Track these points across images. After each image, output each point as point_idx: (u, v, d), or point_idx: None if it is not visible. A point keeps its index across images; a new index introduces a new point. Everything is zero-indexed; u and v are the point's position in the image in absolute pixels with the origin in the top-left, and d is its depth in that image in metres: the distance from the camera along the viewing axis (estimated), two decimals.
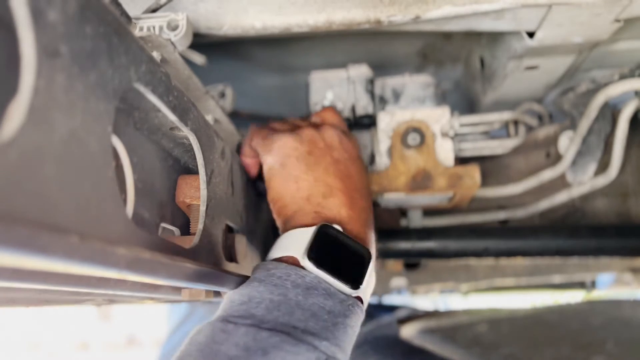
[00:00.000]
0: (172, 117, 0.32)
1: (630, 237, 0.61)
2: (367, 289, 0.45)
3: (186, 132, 0.35)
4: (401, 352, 0.93)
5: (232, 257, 0.44)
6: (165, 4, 0.47)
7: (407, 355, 0.92)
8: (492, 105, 0.76)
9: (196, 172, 0.38)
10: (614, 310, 0.85)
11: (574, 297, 1.13)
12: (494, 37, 0.65)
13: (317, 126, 0.52)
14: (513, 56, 0.62)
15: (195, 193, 0.39)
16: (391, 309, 1.07)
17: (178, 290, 0.42)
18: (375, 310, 1.06)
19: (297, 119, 0.56)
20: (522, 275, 0.97)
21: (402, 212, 0.76)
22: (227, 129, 0.58)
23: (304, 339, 0.37)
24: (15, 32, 0.18)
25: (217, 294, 0.42)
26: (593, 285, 1.12)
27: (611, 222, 0.68)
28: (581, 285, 1.12)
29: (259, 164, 0.53)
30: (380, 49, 0.76)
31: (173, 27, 0.46)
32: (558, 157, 0.66)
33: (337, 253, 0.43)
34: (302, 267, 0.41)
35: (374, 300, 1.19)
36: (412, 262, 0.95)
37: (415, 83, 0.64)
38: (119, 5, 0.40)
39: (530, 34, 0.56)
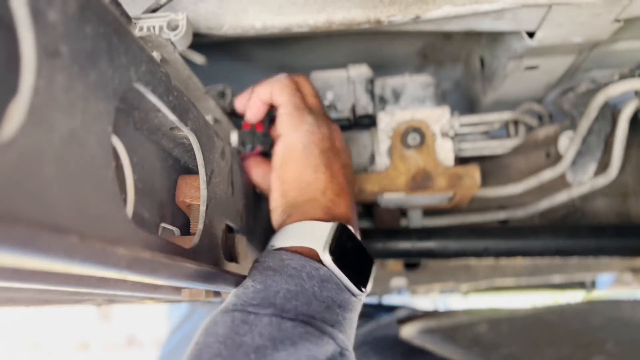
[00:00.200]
0: (172, 117, 0.32)
1: (630, 237, 0.61)
2: (367, 291, 0.46)
3: (186, 132, 0.35)
4: (401, 353, 0.93)
5: (232, 257, 0.44)
6: (165, 4, 0.47)
7: (407, 355, 0.92)
8: (492, 105, 0.76)
9: (196, 172, 0.38)
10: (614, 310, 0.85)
11: (574, 297, 1.13)
12: (494, 37, 0.65)
13: (330, 120, 0.52)
14: (513, 56, 0.62)
15: (195, 193, 0.39)
16: (391, 309, 1.07)
17: (178, 290, 0.42)
18: (375, 311, 1.06)
19: (313, 89, 0.54)
20: (522, 275, 0.97)
21: (402, 212, 0.76)
22: (227, 129, 0.58)
23: (325, 330, 0.37)
24: (15, 32, 0.18)
25: (217, 294, 0.42)
26: (593, 285, 1.12)
27: (611, 222, 0.68)
28: (581, 285, 1.12)
29: (267, 111, 0.52)
30: (380, 49, 0.76)
31: (173, 27, 0.46)
32: (558, 157, 0.66)
33: (349, 253, 0.43)
34: (317, 260, 0.41)
35: (374, 300, 1.19)
36: (412, 262, 0.95)
37: (415, 83, 0.64)
38: (119, 5, 0.40)
39: (530, 34, 0.56)
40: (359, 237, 0.48)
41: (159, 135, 0.38)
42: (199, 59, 0.54)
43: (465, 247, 0.65)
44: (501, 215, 0.74)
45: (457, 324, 0.90)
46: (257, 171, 0.53)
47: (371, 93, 0.64)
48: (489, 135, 0.68)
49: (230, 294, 0.40)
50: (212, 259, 0.37)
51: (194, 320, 1.49)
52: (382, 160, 0.61)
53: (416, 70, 0.82)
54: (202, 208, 0.37)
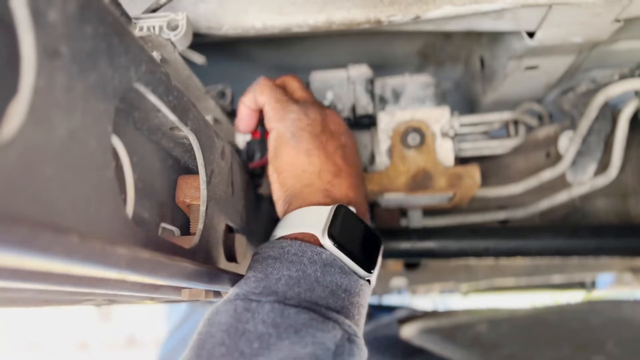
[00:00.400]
0: (172, 117, 0.32)
1: (630, 237, 0.61)
2: (376, 273, 0.45)
3: (186, 132, 0.35)
4: (401, 352, 0.93)
5: (232, 257, 0.44)
6: (165, 4, 0.47)
7: (407, 355, 0.92)
8: (492, 105, 0.76)
9: (196, 172, 0.38)
10: (614, 310, 0.85)
11: (574, 297, 1.13)
12: (494, 37, 0.65)
13: (323, 107, 0.52)
14: (513, 56, 0.62)
15: (195, 193, 0.39)
16: (391, 309, 1.07)
17: (178, 290, 0.42)
18: (375, 311, 1.06)
19: (300, 84, 0.54)
20: (522, 275, 0.97)
21: (402, 212, 0.76)
22: (227, 129, 0.58)
23: (330, 316, 0.37)
24: (15, 32, 0.18)
25: (217, 294, 0.42)
26: (593, 285, 1.12)
27: (611, 222, 0.68)
28: (581, 285, 1.12)
29: (257, 118, 0.52)
30: (380, 49, 0.76)
31: (173, 27, 0.46)
32: (558, 157, 0.66)
33: (351, 234, 0.42)
34: (318, 245, 0.40)
35: (374, 301, 1.19)
36: (412, 262, 0.95)
37: (415, 83, 0.64)
38: (119, 5, 0.40)
39: (530, 34, 0.56)
40: (367, 216, 0.48)
41: (159, 135, 0.38)
42: (199, 59, 0.54)
43: (465, 247, 0.65)
44: (501, 215, 0.74)
45: (457, 324, 0.90)
46: None
47: (371, 93, 0.64)
48: (489, 135, 0.68)
49: (233, 287, 0.40)
50: (212, 259, 0.37)
51: (194, 321, 1.48)
52: (382, 160, 0.61)
53: (416, 70, 0.82)
54: (202, 208, 0.37)
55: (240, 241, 0.46)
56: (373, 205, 0.74)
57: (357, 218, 0.44)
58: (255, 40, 0.58)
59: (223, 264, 0.40)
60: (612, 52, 0.64)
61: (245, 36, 0.53)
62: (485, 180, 0.72)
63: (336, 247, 0.40)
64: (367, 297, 0.42)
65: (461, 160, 0.66)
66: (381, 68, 0.76)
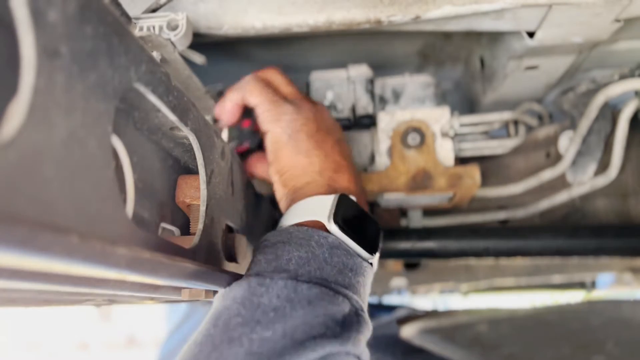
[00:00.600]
0: (172, 117, 0.32)
1: (630, 237, 0.61)
2: (377, 257, 0.47)
3: (186, 132, 0.35)
4: (401, 352, 0.93)
5: (232, 257, 0.44)
6: (165, 4, 0.47)
7: (407, 355, 0.92)
8: (492, 105, 0.76)
9: (196, 172, 0.38)
10: (614, 310, 0.85)
11: (574, 297, 1.13)
12: (494, 37, 0.65)
13: (313, 103, 0.53)
14: (513, 56, 0.62)
15: (195, 193, 0.39)
16: (391, 308, 1.07)
17: (178, 290, 0.42)
18: (375, 310, 1.06)
19: (284, 77, 0.55)
20: (522, 275, 0.97)
21: (402, 212, 0.76)
22: None
23: (339, 290, 0.38)
24: (15, 32, 0.18)
25: (218, 293, 0.42)
26: (593, 285, 1.12)
27: (611, 222, 0.68)
28: (581, 285, 1.12)
29: (241, 112, 0.52)
30: (380, 49, 0.76)
31: (173, 27, 0.46)
32: (558, 157, 0.66)
33: (354, 221, 0.44)
34: (323, 230, 0.42)
35: (374, 300, 1.19)
36: (412, 262, 0.95)
37: (415, 83, 0.64)
38: (119, 5, 0.40)
39: (530, 34, 0.56)
40: (366, 206, 0.50)
41: (159, 135, 0.38)
42: (199, 59, 0.54)
43: (465, 247, 0.65)
44: (501, 215, 0.74)
45: (457, 324, 0.90)
46: (261, 166, 0.54)
47: (371, 93, 0.64)
48: (489, 135, 0.68)
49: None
50: (212, 259, 0.37)
51: (194, 321, 1.48)
52: (382, 160, 0.61)
53: (416, 70, 0.82)
54: (202, 208, 0.37)
55: (240, 241, 0.46)
56: (373, 205, 0.74)
57: (358, 206, 0.46)
58: (255, 40, 0.58)
59: (223, 264, 0.40)
60: (612, 52, 0.64)
61: (245, 36, 0.53)
62: (485, 180, 0.72)
63: (341, 231, 0.42)
64: (370, 279, 0.45)
65: (461, 160, 0.66)
66: (381, 68, 0.76)
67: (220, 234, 0.40)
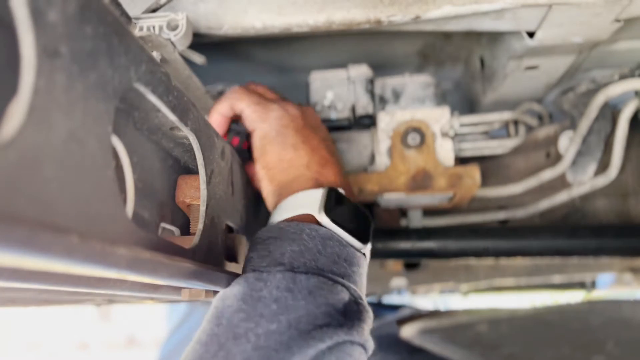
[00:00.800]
0: (172, 117, 0.32)
1: (630, 237, 0.61)
2: (369, 247, 0.47)
3: (186, 132, 0.35)
4: (405, 350, 0.93)
5: (232, 257, 0.44)
6: (165, 4, 0.47)
7: (410, 353, 0.92)
8: (492, 105, 0.76)
9: (196, 172, 0.38)
10: (614, 310, 0.85)
11: (574, 297, 1.13)
12: (494, 37, 0.65)
13: (298, 104, 0.54)
14: (513, 56, 0.62)
15: (195, 193, 0.39)
16: (394, 307, 1.07)
17: (178, 290, 0.42)
18: (378, 309, 1.06)
19: (266, 88, 0.56)
20: (522, 275, 0.97)
21: (402, 212, 0.76)
22: None
23: (337, 280, 0.39)
24: (15, 32, 0.18)
25: (217, 294, 0.42)
26: (593, 285, 1.12)
27: (611, 222, 0.68)
28: (581, 285, 1.12)
29: (228, 125, 0.53)
30: (380, 49, 0.76)
31: (173, 27, 0.46)
32: (558, 157, 0.66)
33: (344, 212, 0.44)
34: (314, 223, 0.42)
35: (374, 300, 1.19)
36: (412, 262, 0.95)
37: (415, 83, 0.64)
38: (119, 5, 0.40)
39: (530, 34, 0.56)
40: (353, 199, 0.50)
41: (159, 135, 0.38)
42: (199, 59, 0.54)
43: (465, 247, 0.65)
44: (501, 215, 0.74)
45: (457, 324, 0.90)
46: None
47: (371, 93, 0.64)
48: (489, 135, 0.68)
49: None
50: (212, 259, 0.37)
51: (194, 321, 1.48)
52: (382, 160, 0.61)
53: (416, 70, 0.82)
54: (202, 208, 0.37)
55: (240, 241, 0.46)
56: (373, 205, 0.74)
57: (347, 198, 0.46)
58: (255, 40, 0.58)
59: (223, 264, 0.40)
60: (612, 52, 0.64)
61: (245, 36, 0.53)
62: (485, 180, 0.72)
63: (332, 222, 0.42)
64: (364, 269, 0.44)
65: (461, 160, 0.66)
66: (381, 68, 0.76)
67: (220, 234, 0.40)
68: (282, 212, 0.45)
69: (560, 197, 0.66)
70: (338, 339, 0.35)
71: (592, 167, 0.63)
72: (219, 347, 0.34)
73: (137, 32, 0.45)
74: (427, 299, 1.35)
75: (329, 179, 0.49)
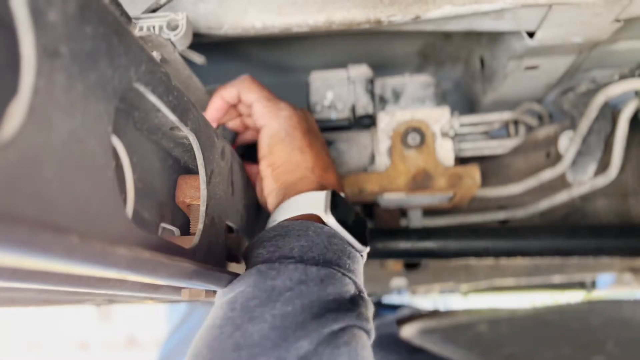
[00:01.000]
0: (172, 117, 0.32)
1: (630, 237, 0.61)
2: (366, 250, 0.48)
3: (186, 132, 0.35)
4: (406, 349, 0.93)
5: (232, 257, 0.44)
6: (165, 4, 0.47)
7: (412, 352, 0.92)
8: (492, 105, 0.76)
9: (196, 172, 0.38)
10: (614, 310, 0.85)
11: (574, 297, 1.13)
12: (494, 37, 0.65)
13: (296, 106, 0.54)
14: (513, 56, 0.62)
15: (195, 193, 0.39)
16: (395, 307, 1.07)
17: (178, 290, 0.42)
18: (378, 309, 1.06)
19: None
20: (522, 275, 0.97)
21: (402, 212, 0.76)
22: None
23: (344, 272, 0.40)
24: (15, 32, 0.18)
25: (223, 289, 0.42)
26: (593, 285, 1.12)
27: (611, 222, 0.68)
28: (581, 285, 1.12)
29: (226, 112, 0.53)
30: (380, 49, 0.76)
31: (173, 27, 0.46)
32: (558, 157, 0.66)
33: (346, 215, 0.46)
34: (319, 223, 0.43)
35: (374, 300, 1.19)
36: (412, 262, 0.95)
37: (415, 83, 0.64)
38: (119, 5, 0.40)
39: (530, 34, 0.56)
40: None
41: (159, 135, 0.38)
42: (199, 59, 0.54)
43: (465, 247, 0.65)
44: (501, 215, 0.74)
45: (457, 324, 0.90)
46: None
47: (371, 93, 0.64)
48: (489, 135, 0.68)
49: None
50: (212, 259, 0.37)
51: (194, 321, 1.48)
52: (382, 160, 0.61)
53: (416, 70, 0.82)
54: (202, 208, 0.37)
55: (240, 241, 0.46)
56: (373, 205, 0.74)
57: (348, 202, 0.48)
58: (255, 40, 0.58)
59: (223, 264, 0.40)
60: (612, 52, 0.64)
61: (245, 36, 0.53)
62: (485, 180, 0.72)
63: (338, 223, 0.43)
64: (362, 269, 0.46)
65: (461, 160, 0.66)
66: (381, 68, 0.76)
67: (220, 234, 0.40)
68: (286, 211, 0.46)
69: (560, 197, 0.66)
70: (349, 322, 0.36)
71: (592, 167, 0.63)
72: (235, 327, 0.34)
73: (137, 32, 0.45)
74: (427, 299, 1.34)
75: (331, 182, 0.50)
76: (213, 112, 0.53)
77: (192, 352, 0.35)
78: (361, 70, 0.64)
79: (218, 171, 0.41)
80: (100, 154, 0.22)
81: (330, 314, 0.36)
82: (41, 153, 0.18)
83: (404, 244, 0.66)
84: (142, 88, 0.27)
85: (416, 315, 0.96)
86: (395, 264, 0.94)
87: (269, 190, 0.50)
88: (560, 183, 0.67)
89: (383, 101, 0.64)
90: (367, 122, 0.64)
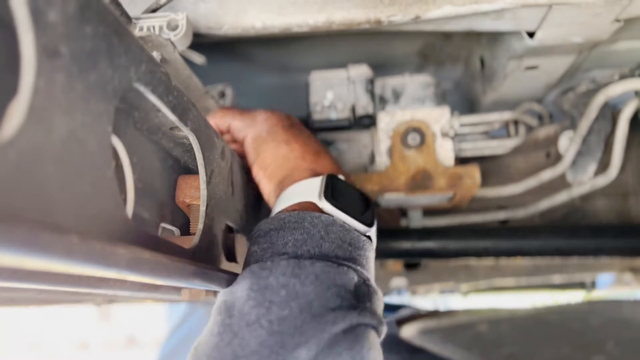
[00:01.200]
0: (172, 117, 0.32)
1: (630, 237, 0.61)
2: (374, 230, 0.46)
3: (186, 132, 0.35)
4: (406, 349, 0.93)
5: (232, 257, 0.44)
6: (165, 4, 0.47)
7: (412, 352, 0.92)
8: (492, 105, 0.76)
9: (196, 172, 0.38)
10: (614, 310, 0.85)
11: (574, 297, 1.13)
12: (494, 37, 0.65)
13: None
14: (513, 56, 0.62)
15: (195, 193, 0.39)
16: (394, 307, 1.07)
17: (178, 290, 0.42)
18: None
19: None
20: (522, 275, 0.97)
21: (402, 212, 0.76)
22: None
23: (342, 263, 0.38)
24: (15, 32, 0.18)
25: (217, 294, 0.42)
26: (593, 285, 1.12)
27: (611, 222, 0.68)
28: (581, 285, 1.12)
29: None
30: (380, 49, 0.76)
31: (173, 27, 0.46)
32: (558, 157, 0.66)
33: (346, 197, 0.44)
34: (316, 211, 0.42)
35: None
36: (412, 262, 0.95)
37: (415, 83, 0.64)
38: (119, 5, 0.40)
39: (531, 34, 0.56)
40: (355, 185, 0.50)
41: (159, 135, 0.38)
42: (199, 59, 0.54)
43: (465, 247, 0.65)
44: (501, 215, 0.74)
45: (457, 324, 0.90)
46: None
47: (371, 93, 0.64)
48: (489, 135, 0.68)
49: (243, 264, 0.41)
50: (212, 259, 0.37)
51: (194, 321, 1.48)
52: (382, 160, 0.61)
53: (416, 70, 0.82)
54: (202, 208, 0.37)
55: (240, 241, 0.46)
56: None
57: (347, 183, 0.47)
58: (255, 40, 0.58)
59: (223, 264, 0.40)
60: (612, 52, 0.64)
61: (245, 36, 0.53)
62: (485, 180, 0.72)
63: (335, 207, 0.42)
64: (371, 253, 0.44)
65: (461, 160, 0.66)
66: (381, 68, 0.76)
67: (220, 234, 0.40)
68: (282, 203, 0.45)
69: (560, 197, 0.66)
70: (352, 322, 0.35)
71: (592, 167, 0.63)
72: (233, 335, 0.34)
73: (137, 32, 0.45)
74: (427, 299, 1.34)
75: (326, 167, 0.49)
76: None
77: None
78: (361, 70, 0.64)
79: (218, 171, 0.41)
80: (100, 154, 0.22)
81: (330, 315, 0.34)
82: (41, 153, 0.18)
83: (404, 244, 0.66)
84: (142, 88, 0.27)
85: (416, 315, 0.96)
86: (395, 264, 0.94)
87: (267, 192, 0.49)
88: (560, 183, 0.67)
89: (383, 101, 0.64)
90: (367, 122, 0.64)
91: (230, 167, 0.45)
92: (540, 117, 0.71)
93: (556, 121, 0.70)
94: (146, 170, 0.36)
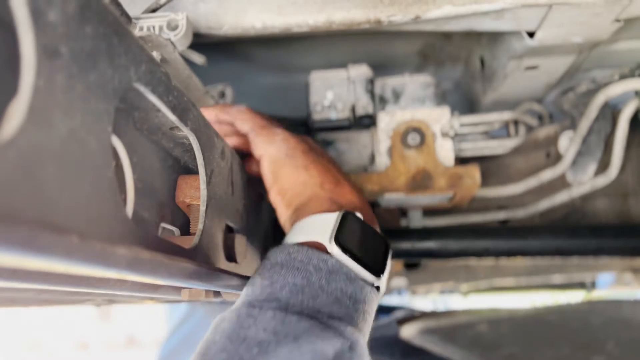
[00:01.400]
0: (172, 117, 0.32)
1: (630, 237, 0.61)
2: (385, 278, 0.45)
3: (186, 132, 0.35)
4: (400, 352, 0.93)
5: (232, 257, 0.44)
6: (165, 4, 0.47)
7: (406, 355, 0.92)
8: (492, 105, 0.76)
9: (196, 172, 0.38)
10: (614, 310, 0.85)
11: (574, 297, 1.13)
12: (494, 37, 0.65)
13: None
14: (513, 56, 0.62)
15: (195, 193, 0.39)
16: (389, 310, 1.07)
17: (178, 290, 0.42)
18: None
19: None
20: (522, 275, 0.97)
21: (402, 212, 0.76)
22: None
23: (331, 324, 0.37)
24: (15, 32, 0.18)
25: (217, 294, 0.42)
26: (593, 285, 1.12)
27: (611, 222, 0.68)
28: (581, 285, 1.12)
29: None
30: (380, 49, 0.76)
31: (173, 27, 0.46)
32: (558, 157, 0.66)
33: (359, 240, 0.43)
34: (325, 252, 0.41)
35: None
36: (412, 262, 0.95)
37: (415, 83, 0.64)
38: (119, 5, 0.40)
39: (531, 34, 0.56)
40: (374, 220, 0.49)
41: (159, 135, 0.38)
42: (199, 59, 0.54)
43: (465, 247, 0.65)
44: (501, 215, 0.74)
45: (457, 324, 0.90)
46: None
47: (371, 93, 0.64)
48: (489, 135, 0.68)
49: (241, 293, 0.41)
50: (212, 259, 0.37)
51: (194, 321, 1.49)
52: (382, 160, 0.61)
53: (416, 70, 0.82)
54: (202, 208, 0.37)
55: (240, 241, 0.46)
56: (373, 205, 0.74)
57: (363, 223, 0.45)
58: (255, 40, 0.58)
59: (223, 264, 0.40)
60: (612, 52, 0.64)
61: (245, 36, 0.53)
62: (485, 180, 0.72)
63: (344, 253, 0.40)
64: (374, 305, 0.42)
65: (461, 160, 0.66)
66: (381, 68, 0.76)
67: (220, 234, 0.40)
68: (296, 234, 0.44)
69: (560, 197, 0.66)
70: None
71: (592, 167, 0.63)
72: None
73: (137, 32, 0.45)
74: (427, 299, 1.34)
75: (345, 197, 0.48)
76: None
77: None
78: (361, 70, 0.64)
79: (218, 171, 0.41)
80: (100, 154, 0.22)
81: None
82: (41, 153, 0.18)
83: (404, 244, 0.66)
84: (142, 88, 0.27)
85: (416, 315, 0.96)
86: (395, 264, 0.94)
87: (283, 218, 0.48)
88: (560, 183, 0.67)
89: (383, 101, 0.64)
90: (367, 122, 0.64)
91: (230, 167, 0.45)
92: (540, 117, 0.71)
93: (556, 121, 0.70)
94: (146, 170, 0.36)
